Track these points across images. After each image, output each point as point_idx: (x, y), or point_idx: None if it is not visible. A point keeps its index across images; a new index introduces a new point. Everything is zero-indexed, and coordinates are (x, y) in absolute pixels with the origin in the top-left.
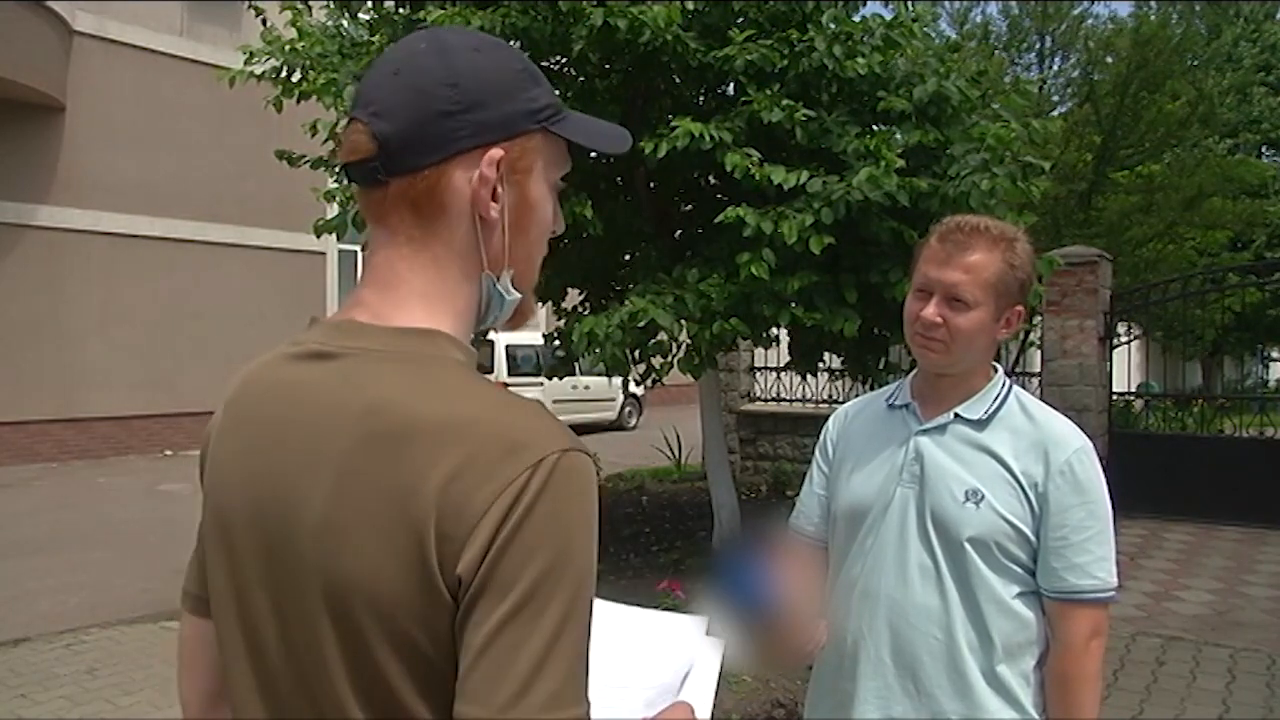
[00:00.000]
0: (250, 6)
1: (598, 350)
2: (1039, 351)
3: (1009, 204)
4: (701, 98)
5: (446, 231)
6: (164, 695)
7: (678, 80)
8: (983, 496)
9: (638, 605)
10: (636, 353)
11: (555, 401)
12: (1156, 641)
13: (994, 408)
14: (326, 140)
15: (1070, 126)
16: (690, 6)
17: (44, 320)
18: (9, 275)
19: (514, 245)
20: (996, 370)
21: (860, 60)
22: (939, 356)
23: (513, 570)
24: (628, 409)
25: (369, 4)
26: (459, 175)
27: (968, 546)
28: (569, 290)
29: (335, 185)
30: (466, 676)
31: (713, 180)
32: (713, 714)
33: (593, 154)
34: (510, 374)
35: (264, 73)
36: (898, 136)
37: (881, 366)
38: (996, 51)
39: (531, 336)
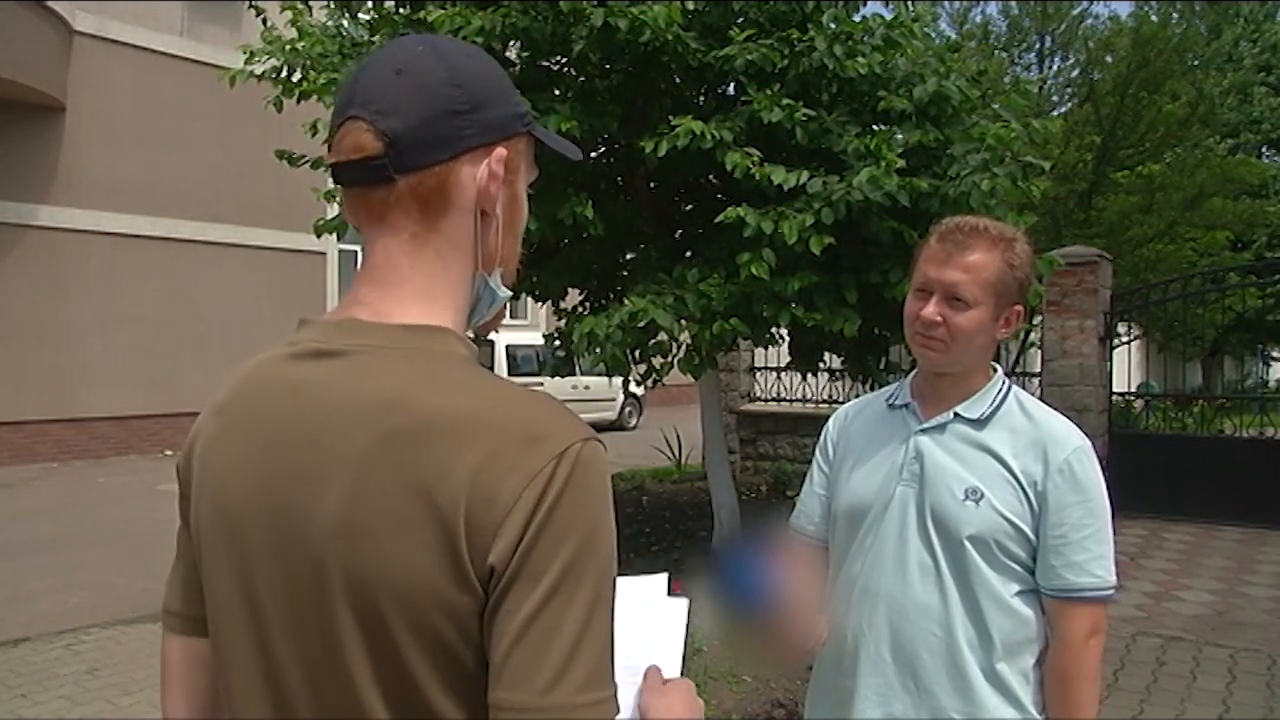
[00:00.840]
0: (250, 6)
1: (598, 350)
2: (1039, 351)
3: (1009, 204)
4: (702, 98)
5: (449, 228)
6: None
7: (678, 80)
8: (982, 495)
9: None
10: (637, 353)
11: None
12: (1156, 641)
13: (993, 407)
14: (326, 140)
15: (1070, 126)
16: (690, 6)
17: (44, 320)
18: (9, 275)
19: (505, 242)
20: (996, 370)
21: (860, 60)
22: (939, 356)
23: (544, 558)
24: (628, 409)
25: (369, 4)
26: (465, 172)
27: (967, 545)
28: (569, 290)
29: (335, 185)
30: (504, 663)
31: (713, 180)
32: (712, 714)
33: (593, 154)
34: (510, 374)
35: (264, 72)
36: (898, 136)
37: (882, 366)
38: (996, 51)
39: (532, 336)
